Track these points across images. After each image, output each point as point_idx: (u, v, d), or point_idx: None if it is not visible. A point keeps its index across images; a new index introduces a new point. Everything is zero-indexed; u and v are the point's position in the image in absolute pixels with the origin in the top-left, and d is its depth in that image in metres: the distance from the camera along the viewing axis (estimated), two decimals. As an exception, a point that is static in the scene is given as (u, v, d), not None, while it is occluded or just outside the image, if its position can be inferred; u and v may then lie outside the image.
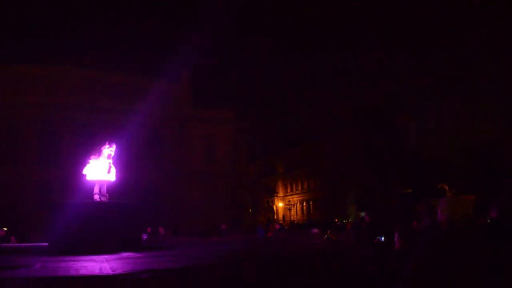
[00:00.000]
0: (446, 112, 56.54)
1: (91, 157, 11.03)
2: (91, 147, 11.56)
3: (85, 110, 38.81)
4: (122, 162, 11.76)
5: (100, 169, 10.96)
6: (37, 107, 37.59)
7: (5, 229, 21.06)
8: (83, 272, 6.38)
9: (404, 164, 51.24)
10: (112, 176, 11.19)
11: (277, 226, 20.06)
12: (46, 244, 11.29)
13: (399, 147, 53.80)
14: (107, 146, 11.16)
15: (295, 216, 62.03)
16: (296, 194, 65.81)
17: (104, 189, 11.16)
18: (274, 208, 67.36)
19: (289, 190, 68.06)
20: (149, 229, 21.64)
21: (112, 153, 11.18)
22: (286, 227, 42.37)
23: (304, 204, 64.09)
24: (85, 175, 10.98)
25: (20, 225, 28.22)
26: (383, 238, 7.85)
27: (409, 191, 46.81)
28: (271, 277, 6.53)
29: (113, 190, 11.65)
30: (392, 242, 6.47)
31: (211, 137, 44.63)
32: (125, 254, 8.96)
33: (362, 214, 37.17)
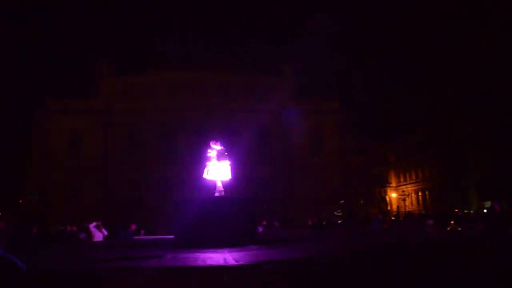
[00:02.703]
0: None
1: (210, 159, 11.60)
2: (206, 145, 12.14)
3: (199, 110, 41.04)
4: (234, 157, 12.20)
5: (219, 170, 11.49)
6: (155, 111, 40.67)
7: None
8: (209, 262, 6.79)
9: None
10: (228, 176, 11.66)
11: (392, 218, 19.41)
12: (172, 237, 12.16)
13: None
14: (215, 145, 11.66)
15: (410, 207, 59.14)
16: (410, 183, 62.62)
17: (221, 185, 11.67)
18: (387, 198, 64.92)
19: (402, 180, 65.03)
20: (264, 222, 22.29)
21: (226, 153, 11.66)
22: (400, 219, 40.76)
23: (420, 194, 60.75)
24: (203, 174, 11.60)
25: (148, 220, 30.78)
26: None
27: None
28: (393, 270, 6.31)
29: (227, 185, 12.12)
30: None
31: (317, 129, 44.42)
32: (245, 247, 9.32)
33: (487, 203, 34.24)
